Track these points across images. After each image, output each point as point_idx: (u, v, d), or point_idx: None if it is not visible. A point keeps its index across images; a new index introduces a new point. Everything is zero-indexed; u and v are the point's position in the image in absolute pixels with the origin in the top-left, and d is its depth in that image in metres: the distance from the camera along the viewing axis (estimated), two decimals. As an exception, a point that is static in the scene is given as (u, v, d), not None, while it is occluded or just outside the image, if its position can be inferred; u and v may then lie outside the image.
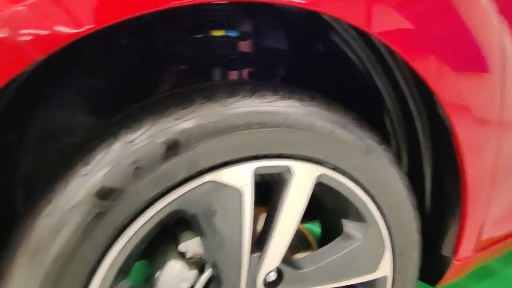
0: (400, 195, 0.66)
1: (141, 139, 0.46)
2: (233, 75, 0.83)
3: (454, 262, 0.79)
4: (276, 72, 0.86)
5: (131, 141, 0.46)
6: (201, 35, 0.72)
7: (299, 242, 0.71)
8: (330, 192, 0.62)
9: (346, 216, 0.66)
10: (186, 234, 0.59)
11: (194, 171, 0.49)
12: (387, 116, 0.81)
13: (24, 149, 0.74)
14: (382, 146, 0.63)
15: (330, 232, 0.76)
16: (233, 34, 0.73)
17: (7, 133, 0.71)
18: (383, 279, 0.69)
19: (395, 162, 0.65)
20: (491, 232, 0.81)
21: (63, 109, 0.77)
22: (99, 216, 0.45)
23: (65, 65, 0.71)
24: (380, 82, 0.75)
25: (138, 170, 0.46)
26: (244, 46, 0.77)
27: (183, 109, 0.48)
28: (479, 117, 0.68)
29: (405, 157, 0.83)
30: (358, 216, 0.64)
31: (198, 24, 0.74)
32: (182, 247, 0.58)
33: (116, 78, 0.73)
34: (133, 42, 0.69)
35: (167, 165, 0.47)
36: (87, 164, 0.45)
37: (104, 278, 0.48)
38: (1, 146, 0.70)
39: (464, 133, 0.66)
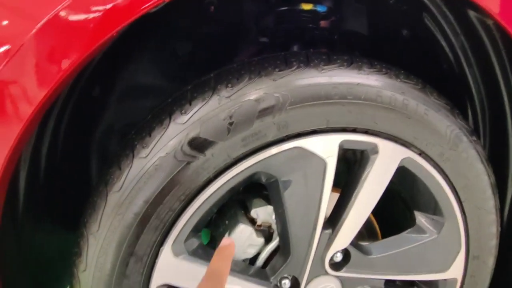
0: (485, 193, 0.61)
1: (238, 95, 0.47)
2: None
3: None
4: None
5: (229, 96, 0.47)
6: (288, 8, 0.71)
7: (366, 230, 0.68)
8: (410, 179, 0.59)
9: (421, 208, 0.63)
10: (257, 201, 0.59)
11: (283, 134, 0.48)
12: (471, 111, 0.76)
13: (106, 105, 0.78)
14: (473, 138, 0.59)
15: (390, 224, 0.72)
16: (321, 9, 0.72)
17: (94, 88, 0.75)
18: (452, 281, 0.65)
19: (484, 157, 0.61)
20: None
21: (143, 71, 0.80)
22: (189, 165, 0.46)
23: (153, 29, 0.73)
24: (471, 74, 0.70)
25: (232, 125, 0.46)
26: (328, 23, 0.75)
27: (280, 70, 0.48)
28: None
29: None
30: (435, 209, 0.61)
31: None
32: (253, 213, 0.58)
33: (200, 46, 0.75)
34: (221, 11, 0.70)
35: (259, 124, 0.47)
36: (185, 113, 0.46)
37: (183, 228, 0.49)
38: (88, 99, 0.74)
39: None
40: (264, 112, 0.47)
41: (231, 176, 0.48)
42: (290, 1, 0.71)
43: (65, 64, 0.42)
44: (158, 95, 0.79)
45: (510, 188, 0.73)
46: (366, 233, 0.68)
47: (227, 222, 0.60)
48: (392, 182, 0.62)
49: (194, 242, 0.54)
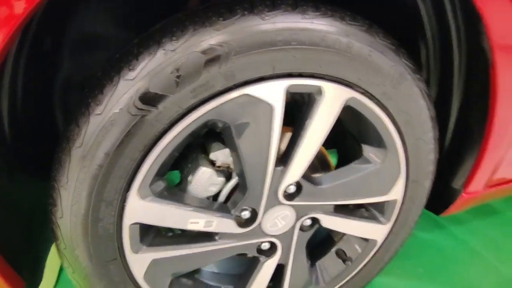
0: (424, 126, 0.68)
1: (184, 48, 0.48)
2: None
3: (463, 194, 0.83)
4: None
5: (174, 49, 0.48)
6: None
7: (319, 163, 0.75)
8: (355, 117, 0.64)
9: (367, 141, 0.69)
10: (216, 144, 0.64)
11: (231, 83, 0.51)
12: (423, 45, 0.78)
13: (60, 58, 0.77)
14: (416, 76, 0.63)
15: (347, 158, 0.79)
16: None
17: (44, 42, 0.72)
18: (393, 202, 0.74)
19: (426, 93, 0.65)
20: (504, 172, 0.84)
21: (95, 20, 0.77)
22: (143, 118, 0.49)
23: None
24: (423, 8, 0.71)
25: (179, 78, 0.48)
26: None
27: (224, 20, 0.48)
28: None
29: (434, 89, 0.82)
30: (378, 142, 0.67)
31: None
32: (212, 156, 0.63)
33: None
34: None
35: (206, 75, 0.49)
36: (133, 69, 0.47)
37: (146, 174, 0.54)
38: (40, 55, 0.72)
39: (504, 70, 0.65)
40: (210, 63, 0.48)
41: (184, 125, 0.52)
42: None
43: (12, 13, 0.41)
44: (114, 45, 0.77)
45: (452, 118, 0.79)
46: (320, 166, 0.75)
47: (189, 165, 0.66)
48: (341, 119, 0.67)
49: (160, 185, 0.59)
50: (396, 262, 1.05)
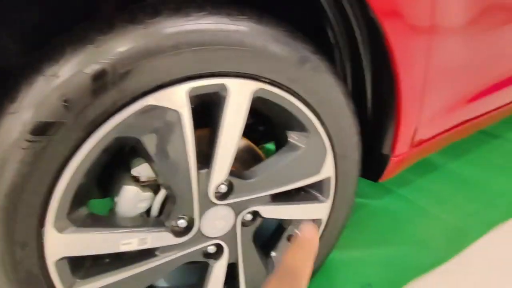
0: (338, 102, 0.70)
1: (64, 71, 0.46)
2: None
3: (392, 158, 0.88)
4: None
5: (54, 74, 0.46)
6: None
7: (250, 157, 0.76)
8: (271, 106, 0.65)
9: (290, 128, 0.71)
10: (136, 160, 0.62)
11: (127, 97, 0.50)
12: (329, 27, 0.81)
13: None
14: (317, 56, 0.65)
15: (281, 147, 0.81)
16: None
17: None
18: (327, 179, 0.77)
19: (331, 70, 0.68)
20: (423, 132, 0.90)
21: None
22: (39, 149, 0.47)
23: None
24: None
25: (67, 102, 0.46)
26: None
27: (104, 35, 0.47)
28: (410, 22, 0.70)
29: (349, 65, 0.86)
30: (300, 126, 0.69)
31: None
32: (134, 172, 0.62)
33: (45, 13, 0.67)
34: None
35: (97, 94, 0.47)
36: (15, 101, 0.45)
37: (59, 206, 0.52)
38: None
39: (396, 38, 0.69)
40: (98, 81, 0.47)
41: (88, 149, 0.50)
42: None
43: None
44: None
45: (368, 90, 0.83)
46: (252, 159, 0.76)
47: (115, 186, 0.64)
48: (261, 110, 0.68)
49: (81, 213, 0.57)
50: (352, 235, 1.09)
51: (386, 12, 0.65)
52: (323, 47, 0.80)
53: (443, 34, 0.78)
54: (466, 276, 0.95)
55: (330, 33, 0.83)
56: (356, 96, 0.86)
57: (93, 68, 0.46)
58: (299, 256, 0.26)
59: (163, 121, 0.53)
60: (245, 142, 0.75)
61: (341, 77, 0.73)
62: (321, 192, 0.79)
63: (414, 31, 0.72)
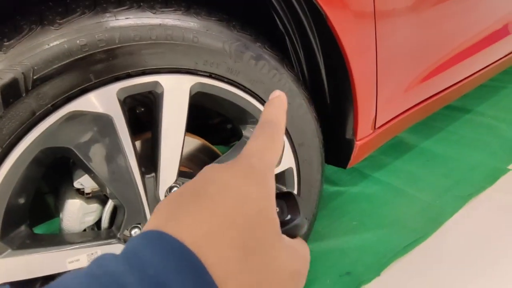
0: (288, 89, 0.68)
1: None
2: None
3: (357, 142, 0.86)
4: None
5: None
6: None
7: (206, 156, 0.73)
8: (216, 101, 0.63)
9: (241, 122, 0.69)
10: (78, 171, 0.59)
11: (48, 104, 0.46)
12: (278, 18, 0.79)
13: None
14: (257, 44, 0.63)
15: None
16: None
17: None
18: (290, 170, 0.75)
19: (276, 58, 0.66)
20: (383, 114, 0.89)
21: None
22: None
23: None
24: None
25: (-23, 116, 0.43)
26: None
27: (8, 40, 0.44)
28: (354, 8, 0.68)
29: (302, 55, 0.84)
30: (249, 118, 0.67)
31: None
32: (76, 184, 0.58)
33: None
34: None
35: (11, 106, 0.44)
36: None
37: (-10, 230, 0.48)
38: None
39: (341, 25, 0.67)
40: (9, 91, 0.44)
41: (9, 166, 0.46)
42: None
43: None
44: None
45: (324, 78, 0.82)
46: (208, 158, 0.74)
47: (60, 202, 0.60)
48: (214, 107, 0.66)
49: (19, 235, 0.53)
50: (329, 224, 1.08)
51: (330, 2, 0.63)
52: (274, 37, 0.78)
53: (387, 17, 0.77)
54: (445, 253, 0.94)
55: (278, 22, 0.81)
56: (314, 83, 0.84)
57: (2, 77, 0.43)
58: (272, 110, 0.31)
59: (94, 127, 0.50)
60: (200, 141, 0.73)
61: (291, 64, 0.71)
62: (284, 184, 0.76)
63: (359, 16, 0.71)
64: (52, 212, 0.84)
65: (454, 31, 1.00)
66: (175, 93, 0.55)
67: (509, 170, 1.21)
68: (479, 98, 1.70)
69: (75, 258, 0.55)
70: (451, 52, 1.02)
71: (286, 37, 0.83)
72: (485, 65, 1.23)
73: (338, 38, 0.69)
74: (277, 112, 0.30)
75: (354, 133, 0.85)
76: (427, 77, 0.96)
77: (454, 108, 1.63)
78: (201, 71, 0.57)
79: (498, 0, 1.17)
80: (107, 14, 0.48)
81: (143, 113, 0.72)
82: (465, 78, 1.13)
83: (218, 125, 0.99)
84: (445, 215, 1.06)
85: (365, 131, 0.86)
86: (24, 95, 0.44)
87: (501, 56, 1.31)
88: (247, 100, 0.64)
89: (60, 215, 0.59)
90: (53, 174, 0.64)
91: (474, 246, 0.95)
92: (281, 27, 0.82)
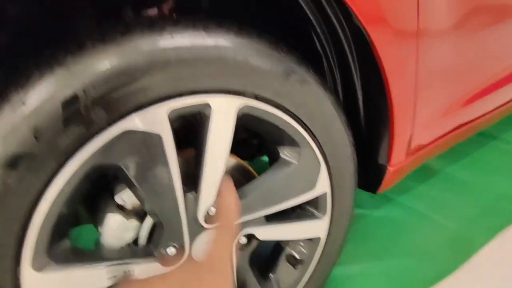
0: (328, 113, 0.68)
1: (34, 99, 0.43)
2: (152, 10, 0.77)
3: (389, 168, 0.85)
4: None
5: (24, 103, 0.43)
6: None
7: (242, 176, 0.73)
8: (259, 122, 0.62)
9: (281, 143, 0.68)
10: (120, 186, 0.59)
11: (104, 122, 0.47)
12: (315, 36, 0.79)
13: None
14: (303, 67, 0.63)
15: (274, 161, 0.78)
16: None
17: None
18: (324, 195, 0.74)
19: (319, 81, 0.66)
20: (419, 139, 0.88)
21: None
22: (12, 185, 0.43)
23: None
24: (306, 4, 0.72)
25: (39, 133, 0.43)
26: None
27: (73, 57, 0.44)
28: (396, 28, 0.69)
29: (338, 76, 0.84)
30: (290, 140, 0.66)
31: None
32: (118, 199, 0.58)
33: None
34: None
35: (70, 122, 0.44)
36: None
37: (36, 244, 0.48)
38: None
39: (383, 45, 0.67)
40: (70, 110, 0.44)
41: (63, 181, 0.47)
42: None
43: None
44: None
45: (360, 99, 0.81)
46: (243, 178, 0.73)
47: (99, 215, 0.60)
48: (253, 127, 0.66)
49: (62, 248, 0.53)
50: (353, 248, 1.06)
51: (371, 19, 0.63)
52: (311, 57, 0.79)
53: (430, 38, 0.77)
54: (475, 287, 0.91)
55: (316, 42, 0.81)
56: (349, 106, 0.84)
57: (64, 95, 0.44)
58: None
59: (143, 145, 0.50)
60: (235, 160, 0.72)
61: (330, 87, 0.71)
62: (317, 208, 0.75)
63: (401, 36, 0.70)
64: (78, 220, 0.84)
65: (498, 55, 0.99)
66: (223, 114, 0.55)
67: (537, 202, 1.18)
68: (506, 124, 1.67)
69: (113, 275, 0.55)
70: (493, 76, 1.00)
71: (324, 59, 0.83)
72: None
73: (380, 61, 0.68)
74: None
75: (388, 158, 0.84)
76: (467, 102, 0.95)
77: (480, 133, 1.60)
78: (248, 92, 0.57)
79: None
80: (165, 34, 0.49)
81: (183, 130, 0.72)
82: (501, 105, 1.12)
83: (245, 140, 0.99)
84: (474, 246, 1.03)
85: (399, 157, 0.85)
86: (83, 112, 0.45)
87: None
88: (288, 123, 0.64)
89: (99, 229, 0.59)
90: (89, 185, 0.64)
91: (504, 282, 0.92)
92: (319, 48, 0.82)
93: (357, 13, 0.62)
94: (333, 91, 0.78)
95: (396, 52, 0.70)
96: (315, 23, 0.77)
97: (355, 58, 0.77)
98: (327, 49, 0.82)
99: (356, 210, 1.22)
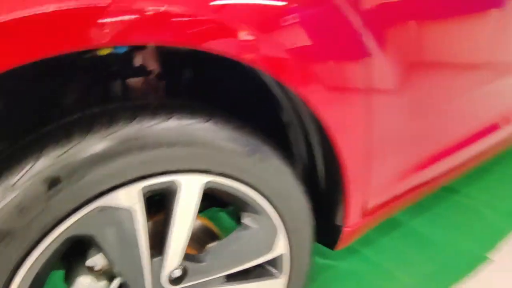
0: (288, 184, 0.76)
1: (22, 181, 0.50)
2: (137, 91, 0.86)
3: (345, 228, 0.93)
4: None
5: (13, 184, 0.50)
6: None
7: (206, 236, 0.80)
8: (223, 193, 0.71)
9: (243, 210, 0.76)
10: (92, 250, 0.65)
11: (81, 201, 0.54)
12: (281, 112, 0.90)
13: None
14: (266, 146, 0.72)
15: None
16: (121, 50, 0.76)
17: None
18: (281, 256, 0.81)
19: (279, 156, 0.74)
20: (375, 201, 0.96)
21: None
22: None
23: None
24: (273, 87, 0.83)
25: (23, 211, 0.50)
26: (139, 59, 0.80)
27: (61, 146, 0.52)
28: (339, 96, 0.73)
29: (303, 148, 0.93)
30: (251, 208, 0.74)
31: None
32: (90, 262, 0.64)
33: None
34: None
35: (51, 201, 0.52)
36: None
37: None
38: None
39: (330, 116, 0.72)
40: (53, 189, 0.52)
41: (40, 251, 0.53)
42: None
43: None
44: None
45: (320, 167, 0.90)
46: (208, 238, 0.80)
47: (71, 275, 0.66)
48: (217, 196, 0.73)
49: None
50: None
51: (312, 91, 0.68)
52: (279, 127, 0.88)
53: (381, 105, 0.82)
54: None
55: (283, 114, 0.91)
56: (312, 170, 0.92)
57: (49, 177, 0.51)
58: None
59: (116, 218, 0.58)
60: (201, 221, 0.80)
61: (290, 161, 0.80)
62: (276, 267, 0.82)
63: (346, 103, 0.75)
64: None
65: (453, 118, 1.04)
66: (190, 189, 0.64)
67: (487, 258, 1.26)
68: (468, 179, 1.77)
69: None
70: (451, 139, 1.06)
71: (291, 128, 0.92)
72: (480, 151, 1.26)
73: (326, 125, 0.73)
74: None
75: (344, 219, 0.92)
76: (423, 165, 1.03)
77: (443, 188, 1.71)
78: (213, 171, 0.66)
79: (492, 100, 1.21)
80: (145, 125, 0.57)
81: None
82: (460, 165, 1.19)
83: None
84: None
85: (355, 218, 0.93)
86: (63, 194, 0.52)
87: (492, 144, 1.35)
88: (249, 195, 0.72)
89: (70, 289, 0.64)
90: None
91: None
92: (285, 117, 0.92)
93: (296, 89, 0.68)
94: (295, 165, 0.87)
95: (342, 117, 0.75)
96: (276, 95, 0.87)
97: (312, 125, 0.85)
98: (291, 118, 0.92)
99: (320, 260, 1.28)
